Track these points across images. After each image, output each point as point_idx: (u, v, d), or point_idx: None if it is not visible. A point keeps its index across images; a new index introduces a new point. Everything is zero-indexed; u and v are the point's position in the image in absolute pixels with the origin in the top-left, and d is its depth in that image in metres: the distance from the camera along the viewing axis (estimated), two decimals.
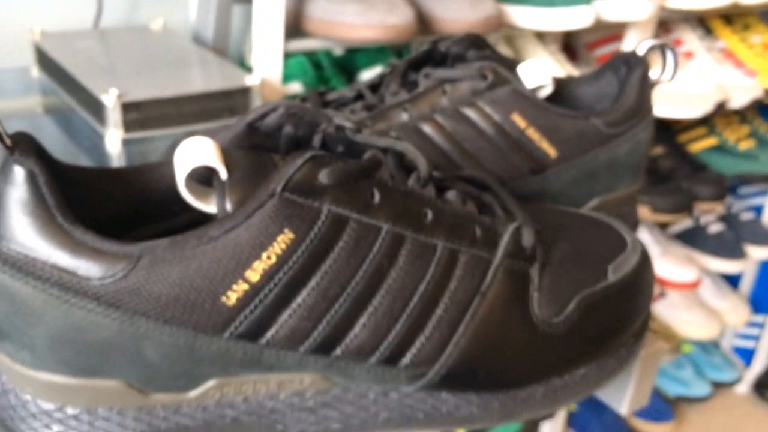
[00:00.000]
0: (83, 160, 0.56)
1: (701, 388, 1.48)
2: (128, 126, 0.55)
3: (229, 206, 0.26)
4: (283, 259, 0.26)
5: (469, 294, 0.29)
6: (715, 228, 1.32)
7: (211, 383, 0.28)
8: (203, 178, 0.29)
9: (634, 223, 0.47)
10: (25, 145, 0.26)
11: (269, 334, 0.27)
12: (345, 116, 0.33)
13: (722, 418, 1.49)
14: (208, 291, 0.25)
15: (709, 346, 1.57)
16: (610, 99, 0.46)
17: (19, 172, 0.25)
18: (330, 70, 0.83)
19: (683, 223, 1.34)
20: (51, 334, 0.26)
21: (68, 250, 0.25)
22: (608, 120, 0.43)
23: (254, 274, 0.26)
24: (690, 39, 1.12)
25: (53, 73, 0.64)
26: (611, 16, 0.86)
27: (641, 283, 0.35)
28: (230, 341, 0.27)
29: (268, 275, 0.26)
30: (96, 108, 0.56)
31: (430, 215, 0.29)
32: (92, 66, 0.61)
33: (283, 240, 0.26)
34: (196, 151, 0.26)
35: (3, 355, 0.27)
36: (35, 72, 0.69)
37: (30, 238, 0.25)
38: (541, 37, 1.00)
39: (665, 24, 1.12)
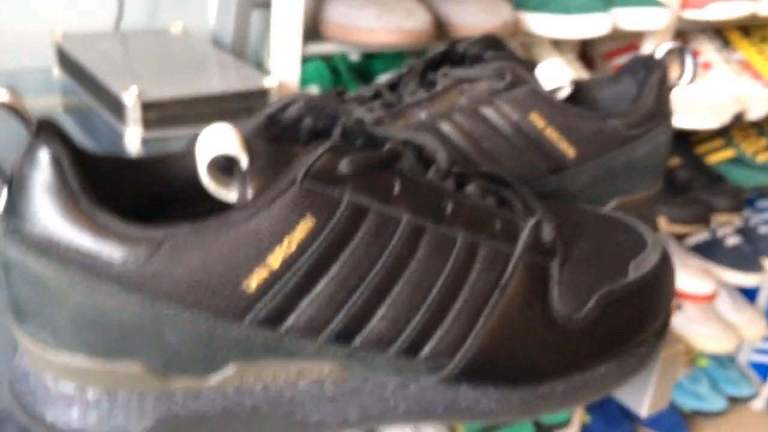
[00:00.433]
0: None
1: (717, 403, 1.47)
2: (147, 124, 0.56)
3: (250, 194, 0.26)
4: (303, 247, 0.26)
5: (488, 287, 0.29)
6: (733, 240, 1.31)
7: (230, 369, 0.28)
8: (223, 168, 0.29)
9: (652, 227, 0.47)
10: (50, 130, 0.26)
11: (289, 321, 0.27)
12: (364, 110, 0.33)
13: None
14: (229, 277, 0.26)
15: (725, 361, 1.55)
16: (628, 102, 0.46)
17: (44, 156, 0.25)
18: (347, 75, 0.83)
19: (700, 235, 1.33)
20: (73, 316, 0.26)
21: (91, 234, 0.25)
22: (627, 121, 0.43)
23: (275, 260, 0.26)
24: (707, 50, 1.11)
25: (74, 73, 0.65)
26: (628, 24, 0.86)
27: (662, 282, 0.34)
28: (250, 327, 0.27)
29: (289, 262, 0.26)
30: (116, 106, 0.56)
31: (449, 207, 0.29)
32: (112, 66, 0.62)
33: (304, 227, 0.26)
34: (219, 139, 0.27)
35: (25, 336, 0.27)
36: (56, 72, 0.69)
37: (53, 221, 0.25)
38: (557, 45, 1.00)
39: (683, 35, 1.12)
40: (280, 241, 0.26)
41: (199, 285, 0.26)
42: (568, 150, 0.42)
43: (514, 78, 0.42)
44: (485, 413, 0.30)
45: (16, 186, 0.26)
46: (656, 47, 0.46)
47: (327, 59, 0.82)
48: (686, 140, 1.26)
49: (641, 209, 0.45)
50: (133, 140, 0.55)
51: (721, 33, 1.19)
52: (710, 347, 1.36)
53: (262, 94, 0.61)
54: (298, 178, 0.26)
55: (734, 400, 1.51)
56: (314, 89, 0.79)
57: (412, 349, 0.28)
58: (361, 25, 0.69)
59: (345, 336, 0.28)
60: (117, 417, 0.28)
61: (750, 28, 1.21)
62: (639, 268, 0.33)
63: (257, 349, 0.27)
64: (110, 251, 0.25)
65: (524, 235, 0.30)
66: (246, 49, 0.74)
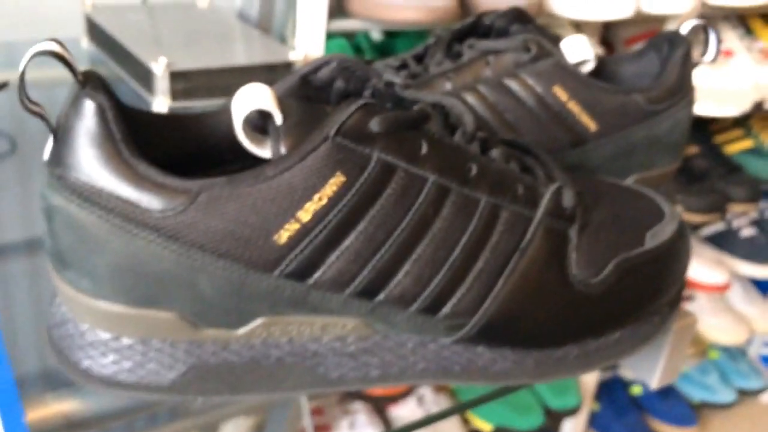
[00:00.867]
0: None
1: (726, 395, 1.47)
2: (175, 95, 0.57)
3: (283, 150, 0.27)
4: (333, 202, 0.27)
5: (509, 249, 0.30)
6: (748, 232, 1.31)
7: (258, 321, 0.29)
8: (258, 127, 0.30)
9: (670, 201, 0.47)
10: (96, 82, 0.27)
11: (316, 275, 0.28)
12: (394, 73, 0.34)
13: (746, 426, 1.47)
14: (261, 228, 0.26)
15: (736, 353, 1.55)
16: (652, 78, 0.46)
17: (89, 106, 0.26)
18: (369, 53, 0.84)
19: (715, 226, 1.33)
20: (112, 263, 0.27)
21: (132, 183, 0.26)
22: (649, 96, 0.43)
23: (306, 214, 0.27)
24: (730, 37, 1.11)
25: (103, 44, 0.66)
26: (652, 8, 0.86)
27: (678, 252, 0.35)
28: (279, 279, 0.27)
29: (319, 216, 0.27)
30: (145, 76, 0.57)
31: (474, 170, 0.30)
32: (141, 37, 0.63)
33: (334, 182, 0.27)
34: (254, 96, 0.28)
35: (65, 284, 0.28)
36: (85, 43, 0.71)
37: (96, 170, 0.26)
38: (578, 28, 1.00)
39: (706, 21, 1.11)
40: (311, 195, 0.26)
41: (233, 236, 0.26)
42: (590, 123, 0.42)
43: (539, 51, 0.42)
44: (501, 375, 0.31)
45: (62, 135, 0.27)
46: (680, 25, 0.46)
47: (350, 37, 0.83)
48: (705, 129, 1.25)
49: (660, 185, 0.46)
50: (161, 110, 0.56)
51: (744, 20, 1.18)
52: (721, 339, 1.36)
53: (287, 66, 0.62)
54: (330, 134, 0.27)
55: (743, 393, 1.52)
56: (368, 58, 0.80)
57: (433, 307, 0.29)
58: (386, 2, 0.70)
59: (369, 291, 0.29)
60: (150, 364, 0.29)
61: None
62: (656, 237, 0.34)
63: (284, 301, 0.28)
64: (149, 200, 0.26)
65: (545, 200, 0.31)
66: (272, 24, 0.75)
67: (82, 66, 0.27)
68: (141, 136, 0.30)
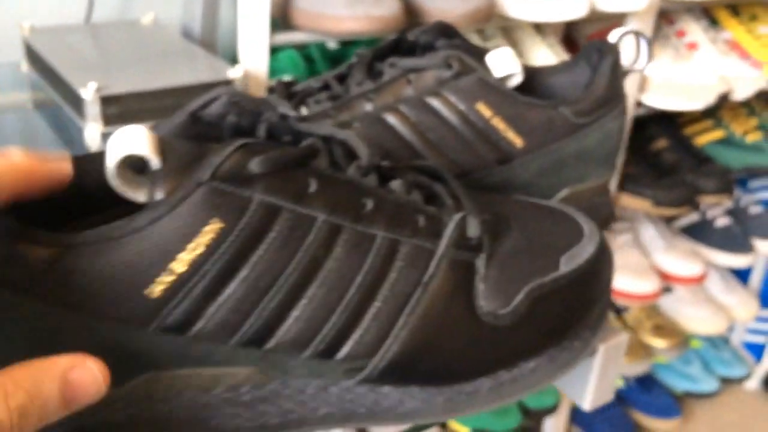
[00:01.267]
0: None
1: (709, 384, 1.47)
2: (108, 119, 0.56)
3: (159, 196, 0.26)
4: (210, 250, 0.25)
5: (409, 285, 0.29)
6: (722, 222, 1.30)
7: (140, 378, 0.27)
8: (140, 169, 0.29)
9: (607, 214, 0.46)
10: None
11: (197, 327, 0.26)
12: (288, 105, 0.33)
13: (731, 415, 1.47)
14: (133, 282, 0.25)
15: (718, 342, 1.55)
16: (583, 88, 0.45)
17: None
18: (321, 63, 0.83)
19: (689, 217, 1.33)
20: None
21: None
22: (577, 109, 0.42)
23: (180, 265, 0.25)
24: (694, 30, 1.10)
25: (40, 68, 0.65)
26: (607, 6, 0.85)
27: (597, 272, 0.34)
28: (157, 334, 0.26)
29: (195, 266, 0.25)
30: (76, 102, 0.56)
31: (369, 205, 0.29)
32: (77, 60, 0.62)
33: (210, 230, 0.25)
34: (128, 140, 0.26)
35: None
36: (25, 67, 0.69)
37: None
38: (539, 28, 0.99)
39: (667, 14, 1.10)
40: (185, 245, 0.25)
41: (102, 292, 0.25)
42: (516, 140, 0.41)
43: (461, 67, 0.41)
44: (409, 414, 0.30)
45: None
46: (642, 21, 0.45)
47: (301, 48, 0.82)
48: (674, 122, 1.24)
49: (595, 197, 0.45)
50: (93, 136, 0.55)
51: (708, 12, 1.17)
52: (700, 329, 1.36)
53: (226, 85, 0.60)
54: (204, 178, 0.25)
55: (727, 381, 1.52)
56: (289, 79, 0.78)
57: (329, 350, 0.28)
58: (330, 13, 0.69)
59: (257, 340, 0.27)
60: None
61: (739, 6, 1.19)
62: (573, 260, 0.33)
63: (165, 356, 0.27)
64: (16, 257, 0.25)
65: (448, 231, 0.30)
66: (215, 39, 0.74)
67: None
68: None
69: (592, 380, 0.37)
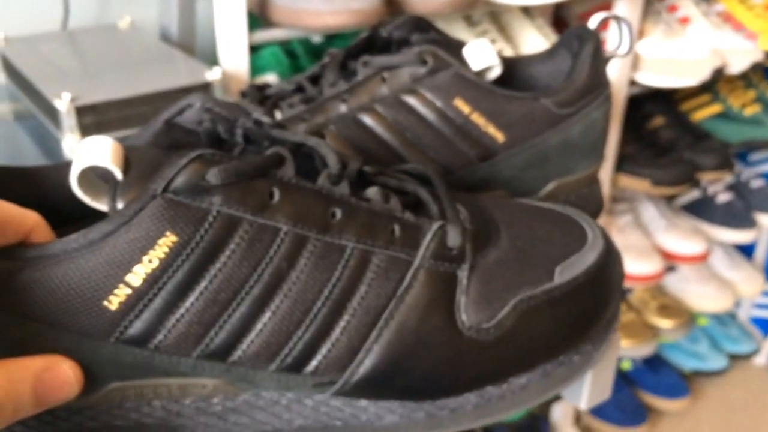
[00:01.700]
0: None
1: (717, 362, 1.46)
2: (85, 130, 0.54)
3: (120, 207, 0.26)
4: (166, 263, 0.25)
5: (382, 298, 0.28)
6: (724, 197, 1.29)
7: (109, 387, 0.27)
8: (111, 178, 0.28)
9: (597, 206, 0.45)
10: None
11: (157, 339, 0.26)
12: (263, 110, 0.32)
13: (740, 392, 1.46)
14: (90, 295, 0.25)
15: (726, 318, 1.54)
16: (565, 76, 0.44)
17: None
18: (305, 59, 0.81)
19: (690, 194, 1.31)
20: None
21: None
22: (558, 100, 0.41)
23: (136, 278, 0.25)
24: (686, 4, 1.08)
25: (16, 79, 0.64)
26: None
27: (599, 284, 0.32)
28: (117, 345, 0.26)
29: (152, 279, 0.25)
30: (52, 113, 0.55)
31: (338, 214, 0.28)
32: (52, 70, 0.61)
33: (165, 243, 0.25)
34: (91, 151, 0.26)
35: None
36: (2, 79, 0.68)
37: None
38: (527, 11, 0.97)
39: None
40: (140, 257, 0.25)
41: (61, 304, 0.25)
42: (497, 135, 0.40)
43: (436, 63, 0.40)
44: (388, 429, 0.29)
45: None
46: (592, 17, 0.44)
47: (284, 44, 0.80)
48: (670, 98, 1.22)
49: (582, 189, 0.43)
50: (70, 147, 0.54)
51: None
52: (706, 307, 1.34)
53: (205, 88, 0.59)
54: (158, 191, 0.25)
55: (735, 358, 1.50)
56: (271, 77, 0.77)
57: (296, 365, 0.27)
58: (308, 8, 0.67)
59: (220, 352, 0.27)
60: None
61: None
62: (569, 270, 0.31)
63: (129, 367, 0.26)
64: None
65: (426, 241, 0.29)
66: (193, 41, 0.72)
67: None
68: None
69: (588, 380, 0.36)
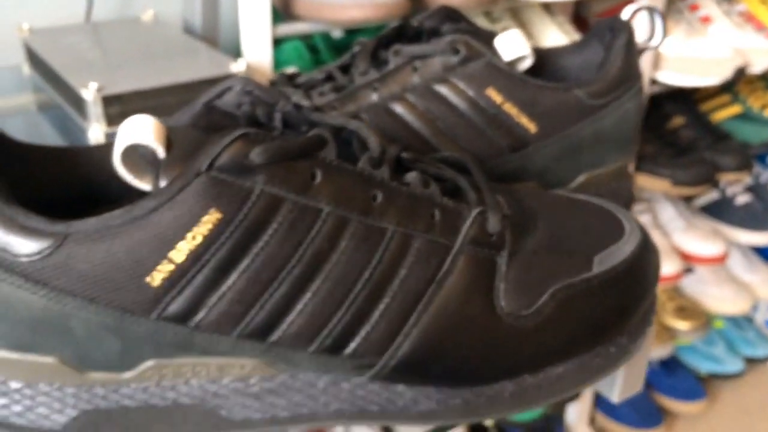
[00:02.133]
0: None
1: (734, 365, 1.44)
2: (111, 119, 0.54)
3: (163, 185, 0.26)
4: (210, 240, 0.25)
5: (422, 282, 0.27)
6: (743, 199, 1.28)
7: (148, 364, 0.27)
8: (150, 160, 0.28)
9: (627, 199, 0.45)
10: None
11: (199, 316, 0.26)
12: (302, 94, 0.32)
13: (756, 395, 1.45)
14: (133, 271, 0.25)
15: (742, 321, 1.52)
16: (596, 68, 0.43)
17: None
18: (326, 53, 0.81)
19: (709, 196, 1.30)
20: None
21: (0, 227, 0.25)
22: (591, 90, 0.40)
23: (179, 254, 0.25)
24: (707, 3, 1.07)
25: (41, 70, 0.64)
26: None
27: (637, 275, 0.32)
28: (159, 322, 0.26)
29: (194, 256, 0.25)
30: (78, 103, 0.55)
31: (379, 197, 0.28)
32: (77, 61, 0.61)
33: (209, 220, 0.25)
34: (135, 129, 0.26)
35: None
36: (26, 70, 0.68)
37: None
38: (548, 8, 0.96)
39: None
40: (184, 234, 0.25)
41: (103, 279, 0.25)
42: (529, 125, 0.40)
43: (469, 52, 0.40)
44: (425, 415, 0.29)
45: None
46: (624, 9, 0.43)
47: (305, 38, 0.80)
48: (690, 98, 1.22)
49: (613, 182, 0.43)
50: (96, 136, 0.54)
51: None
52: (724, 309, 1.33)
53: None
54: (202, 168, 0.25)
55: (752, 361, 1.49)
56: (292, 71, 0.77)
57: (335, 346, 0.27)
58: (332, 2, 0.67)
59: (261, 332, 0.27)
60: (39, 408, 0.28)
61: None
62: (607, 260, 0.31)
63: (169, 344, 0.27)
64: (18, 244, 0.25)
65: (466, 227, 0.29)
66: (217, 34, 0.72)
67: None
68: (27, 174, 0.29)
69: (621, 372, 0.36)
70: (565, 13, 1.02)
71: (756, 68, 1.03)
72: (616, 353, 0.32)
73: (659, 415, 1.34)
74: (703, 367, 1.44)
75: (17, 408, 0.27)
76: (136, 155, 0.27)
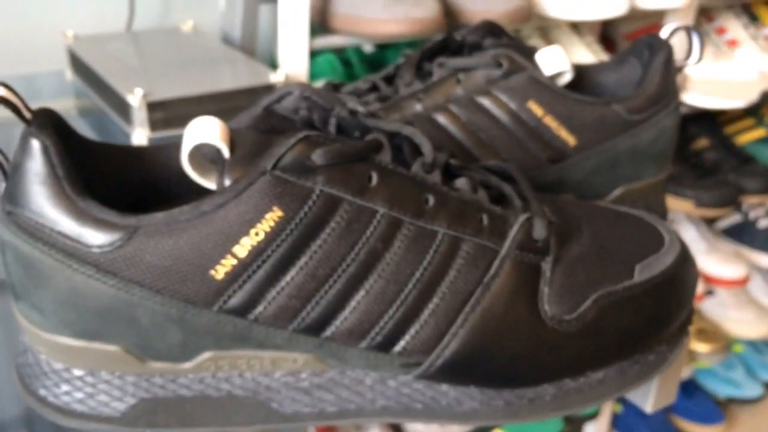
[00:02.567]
0: None
1: (753, 389, 1.43)
2: (154, 125, 0.56)
3: (227, 183, 0.27)
4: (271, 237, 0.26)
5: (470, 284, 0.28)
6: (765, 222, 1.27)
7: (206, 355, 0.28)
8: (213, 160, 0.29)
9: (662, 214, 0.45)
10: (43, 119, 0.27)
11: (258, 310, 0.27)
12: (357, 101, 0.33)
13: None
14: (198, 264, 0.26)
15: (762, 346, 1.51)
16: (634, 85, 0.44)
17: (34, 145, 0.26)
18: (359, 67, 0.83)
19: (731, 218, 1.30)
20: (56, 297, 0.27)
21: (73, 218, 0.26)
22: (630, 106, 0.41)
23: (242, 249, 0.26)
24: (734, 27, 1.08)
25: (85, 75, 0.66)
26: (647, 3, 0.84)
27: (676, 285, 0.32)
28: (220, 315, 0.27)
29: (256, 252, 0.26)
30: (123, 108, 0.57)
31: (432, 201, 0.29)
32: (121, 67, 0.63)
33: (271, 217, 0.26)
34: (201, 130, 0.27)
35: (20, 314, 0.29)
36: (69, 75, 0.70)
37: (40, 206, 0.26)
38: (576, 27, 0.98)
39: (707, 11, 1.08)
40: (247, 230, 0.26)
41: (170, 271, 0.26)
42: (569, 138, 0.41)
43: (511, 65, 0.41)
44: (467, 415, 0.29)
45: (12, 173, 0.27)
46: (680, 19, 0.44)
47: (339, 52, 0.82)
48: (714, 121, 1.22)
49: (649, 196, 0.44)
50: (140, 141, 0.56)
51: (748, 8, 1.15)
52: (744, 333, 1.32)
53: (268, 89, 0.61)
54: (268, 167, 0.26)
55: None
56: (336, 82, 0.78)
57: (386, 343, 0.28)
58: (369, 16, 0.69)
59: (315, 327, 0.28)
60: (100, 396, 0.29)
61: None
62: (648, 269, 0.32)
63: (228, 336, 0.28)
64: (90, 235, 0.26)
65: (513, 232, 0.30)
66: (255, 45, 0.74)
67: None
68: (96, 170, 0.30)
69: (656, 382, 0.36)
70: (593, 33, 1.03)
71: None
72: (655, 361, 0.32)
73: None
74: (722, 391, 1.42)
75: (79, 395, 0.29)
76: (200, 155, 0.28)
